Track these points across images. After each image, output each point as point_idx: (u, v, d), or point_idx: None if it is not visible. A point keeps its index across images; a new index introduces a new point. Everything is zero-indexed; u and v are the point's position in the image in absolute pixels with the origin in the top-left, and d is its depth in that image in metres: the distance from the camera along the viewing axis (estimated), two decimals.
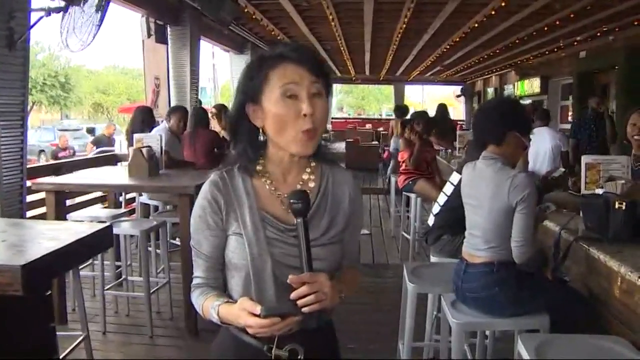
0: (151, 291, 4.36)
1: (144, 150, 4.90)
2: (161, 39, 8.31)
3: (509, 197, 2.61)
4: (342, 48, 13.84)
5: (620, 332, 2.52)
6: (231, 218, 1.56)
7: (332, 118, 26.53)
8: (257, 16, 9.66)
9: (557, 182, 4.02)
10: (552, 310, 2.64)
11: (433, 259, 3.62)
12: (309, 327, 1.50)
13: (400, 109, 11.86)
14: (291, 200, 1.45)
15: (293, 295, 1.38)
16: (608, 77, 12.16)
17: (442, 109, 10.71)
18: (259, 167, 1.61)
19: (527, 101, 16.16)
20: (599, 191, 3.01)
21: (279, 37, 11.90)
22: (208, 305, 1.54)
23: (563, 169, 4.45)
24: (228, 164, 1.62)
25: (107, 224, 3.14)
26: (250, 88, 1.53)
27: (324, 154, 1.65)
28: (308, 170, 1.63)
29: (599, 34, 10.99)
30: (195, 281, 1.64)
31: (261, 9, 9.27)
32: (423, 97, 38.84)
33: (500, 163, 2.73)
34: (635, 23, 9.85)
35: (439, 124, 8.57)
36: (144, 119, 6.34)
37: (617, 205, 2.68)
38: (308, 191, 1.55)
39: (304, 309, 1.37)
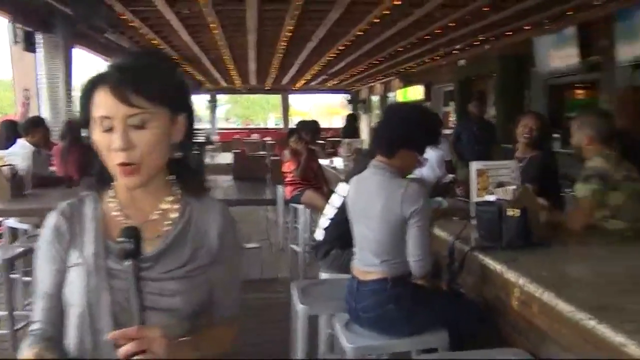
0: (16, 327, 3.89)
1: (5, 169, 4.42)
2: (29, 46, 7.70)
3: (402, 208, 2.47)
4: (226, 57, 13.55)
5: (518, 343, 2.44)
6: (73, 248, 1.33)
7: (219, 129, 26.09)
8: (136, 24, 9.21)
9: (447, 189, 3.98)
10: (449, 324, 2.52)
11: (323, 275, 3.42)
12: None
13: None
14: (119, 239, 1.20)
15: (120, 353, 1.14)
16: (486, 84, 12.62)
17: (351, 119, 10.68)
18: (111, 192, 1.40)
19: None
20: (490, 198, 2.92)
21: (160, 47, 11.46)
22: None
23: (452, 176, 4.42)
24: (86, 187, 1.42)
25: None
26: (82, 113, 1.33)
27: (189, 182, 1.45)
28: (169, 198, 1.42)
29: (476, 43, 11.39)
30: (30, 329, 1.36)
31: (140, 16, 8.80)
32: (310, 106, 39.08)
33: (390, 172, 2.58)
34: (509, 33, 10.29)
35: (349, 134, 8.52)
36: (8, 135, 5.79)
37: (509, 213, 2.60)
38: (169, 221, 1.38)
39: None
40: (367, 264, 2.58)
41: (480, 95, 8.93)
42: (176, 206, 1.41)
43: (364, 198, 2.64)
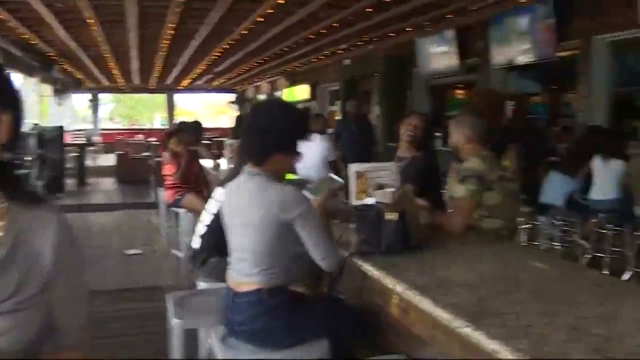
0: None
1: None
2: None
3: (281, 215, 2.36)
4: (107, 55, 12.97)
5: (400, 349, 2.41)
6: None
7: (101, 130, 25.04)
8: (3, 16, 8.57)
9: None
10: (330, 333, 2.44)
11: (201, 284, 3.24)
12: None
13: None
14: None
15: None
16: (370, 84, 12.82)
17: (241, 119, 10.45)
18: None
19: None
20: (370, 201, 2.87)
21: (33, 42, 10.78)
22: None
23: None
24: None
25: None
26: None
27: (17, 191, 1.18)
28: None
29: (360, 43, 11.53)
30: None
31: (7, 7, 8.19)
32: (197, 106, 38.31)
33: (265, 178, 2.46)
34: (392, 34, 10.48)
35: (239, 134, 8.26)
36: None
37: (388, 217, 2.56)
38: None
39: None
40: (243, 274, 2.44)
41: (359, 95, 9.07)
42: (3, 222, 1.13)
43: (239, 205, 2.50)
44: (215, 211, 3.16)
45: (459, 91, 13.90)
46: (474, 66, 9.35)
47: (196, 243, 3.27)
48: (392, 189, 2.95)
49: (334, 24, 9.33)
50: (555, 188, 6.10)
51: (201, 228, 3.25)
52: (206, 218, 3.24)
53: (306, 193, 2.79)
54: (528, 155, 6.11)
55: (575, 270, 2.53)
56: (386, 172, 3.48)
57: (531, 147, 6.42)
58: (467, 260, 2.57)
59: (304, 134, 2.62)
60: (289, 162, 2.60)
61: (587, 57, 7.07)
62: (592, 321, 1.76)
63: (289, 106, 2.77)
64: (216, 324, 2.57)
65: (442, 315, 1.83)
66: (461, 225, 3.04)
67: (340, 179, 2.88)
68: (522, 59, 8.09)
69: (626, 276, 5.31)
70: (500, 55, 8.43)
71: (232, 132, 11.77)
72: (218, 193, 3.20)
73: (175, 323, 2.64)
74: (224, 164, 7.50)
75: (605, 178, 5.73)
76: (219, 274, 3.12)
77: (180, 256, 5.90)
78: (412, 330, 2.14)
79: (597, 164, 5.81)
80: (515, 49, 8.13)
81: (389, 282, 2.21)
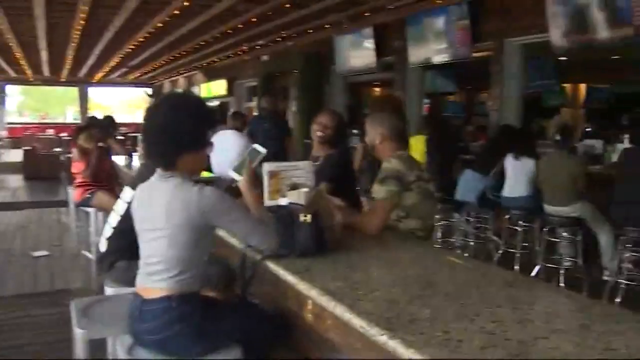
0: None
1: None
2: None
3: (200, 218, 2.23)
4: (12, 44, 12.31)
5: (315, 355, 2.32)
6: None
7: (9, 123, 23.85)
8: None
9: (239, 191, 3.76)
10: (243, 339, 2.34)
11: (109, 290, 3.05)
12: None
13: None
14: None
15: None
16: (288, 80, 12.75)
17: None
18: None
19: (215, 102, 16.33)
20: (283, 201, 2.78)
21: None
22: None
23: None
24: None
25: None
26: None
27: None
28: None
29: (279, 40, 11.44)
30: None
31: None
32: (112, 100, 37.15)
33: (179, 179, 2.32)
34: (310, 31, 10.44)
35: None
36: None
37: (302, 218, 2.47)
38: None
39: None
40: (153, 279, 2.29)
41: (274, 91, 8.98)
42: None
43: (152, 208, 2.35)
44: (122, 212, 2.99)
45: (375, 89, 14.07)
46: (391, 64, 9.44)
47: (103, 246, 3.08)
48: (306, 189, 2.88)
49: (252, 19, 9.21)
50: (469, 186, 6.21)
51: (108, 230, 3.07)
52: (114, 219, 3.06)
53: (232, 174, 2.66)
54: (442, 153, 6.24)
55: (489, 270, 2.51)
56: (301, 172, 3.38)
57: (445, 145, 6.55)
58: (383, 263, 2.52)
59: (211, 124, 2.50)
60: (201, 158, 2.47)
61: (500, 59, 7.26)
62: (507, 325, 1.74)
63: (190, 100, 2.55)
64: (123, 332, 2.42)
65: (358, 322, 1.76)
66: (378, 227, 2.99)
67: (262, 149, 2.74)
68: (438, 59, 8.22)
69: (535, 270, 5.49)
70: (417, 54, 8.54)
71: None
72: (127, 193, 3.03)
73: (78, 333, 2.46)
74: (136, 160, 7.23)
75: (516, 176, 5.88)
76: (128, 279, 2.95)
77: (90, 257, 5.64)
78: (327, 336, 2.07)
79: (509, 162, 5.96)
80: (431, 49, 8.25)
81: (302, 287, 2.12)
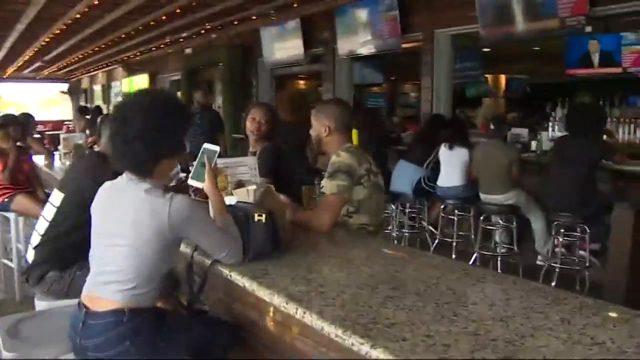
0: None
1: None
2: None
3: (169, 227, 2.01)
4: None
5: None
6: None
7: None
8: None
9: (178, 190, 3.52)
10: (198, 350, 2.14)
11: (39, 304, 2.74)
12: None
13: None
14: None
15: None
16: (212, 73, 12.43)
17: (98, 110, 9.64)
18: None
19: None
20: (231, 200, 2.57)
21: None
22: None
23: (183, 175, 3.96)
24: None
25: None
26: None
27: None
28: None
29: (203, 32, 11.12)
30: None
31: None
32: (24, 96, 35.28)
33: (149, 186, 2.09)
34: (235, 23, 10.17)
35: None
36: None
37: (257, 218, 2.28)
38: None
39: None
40: (104, 290, 2.04)
41: (204, 85, 8.74)
42: None
43: (115, 211, 2.10)
44: (51, 218, 2.71)
45: (303, 81, 13.94)
46: (319, 56, 9.31)
47: (30, 255, 2.77)
48: (253, 187, 2.69)
49: (176, 11, 8.86)
50: (404, 176, 6.16)
51: (36, 238, 2.77)
52: (41, 226, 2.76)
53: (192, 182, 2.42)
54: (374, 144, 6.16)
55: (452, 265, 2.38)
56: (245, 168, 3.20)
57: (376, 136, 6.48)
58: (342, 262, 2.35)
59: (189, 124, 2.27)
60: (174, 162, 2.24)
61: (430, 50, 7.25)
62: (489, 324, 1.63)
63: (169, 100, 2.24)
64: (63, 353, 2.14)
65: (331, 330, 1.61)
66: (329, 224, 2.82)
67: (215, 146, 2.50)
68: (367, 50, 8.14)
69: (473, 258, 5.51)
70: (345, 45, 8.44)
71: (91, 131, 10.71)
72: (55, 196, 2.75)
73: (6, 357, 2.14)
74: (58, 160, 6.79)
75: (451, 166, 5.87)
76: (61, 291, 2.69)
77: (12, 266, 5.21)
78: (294, 346, 1.90)
79: (443, 152, 5.94)
80: (360, 40, 8.16)
81: (263, 293, 1.94)
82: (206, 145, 2.43)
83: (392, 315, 1.69)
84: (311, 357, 1.83)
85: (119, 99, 17.43)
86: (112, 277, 2.04)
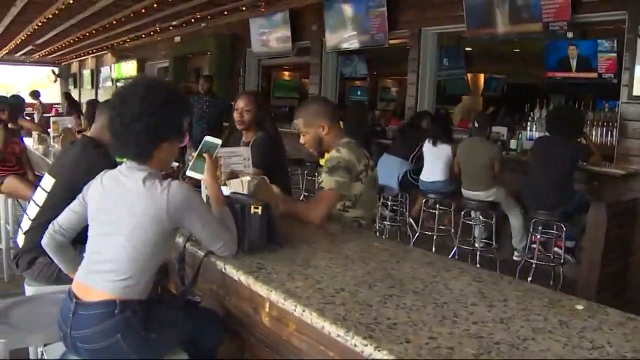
0: None
1: None
2: None
3: (167, 215, 1.92)
4: None
5: (267, 357, 2.05)
6: None
7: None
8: None
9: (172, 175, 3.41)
10: (188, 344, 2.04)
11: (29, 289, 2.62)
12: None
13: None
14: None
15: None
16: (201, 61, 12.23)
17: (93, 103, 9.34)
18: None
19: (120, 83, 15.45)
20: (225, 191, 2.46)
21: None
22: None
23: (176, 164, 3.85)
24: None
25: None
26: None
27: None
28: None
29: (193, 21, 10.92)
30: None
31: None
32: (13, 79, 34.53)
33: (149, 172, 2.00)
34: (225, 13, 10.00)
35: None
36: None
37: (253, 210, 2.18)
38: None
39: None
40: (95, 278, 1.94)
41: (196, 74, 8.61)
42: None
43: (112, 199, 2.00)
44: (42, 203, 2.58)
45: (291, 72, 13.80)
46: (307, 49, 9.18)
47: (20, 240, 2.64)
48: (247, 178, 2.59)
49: None
50: (389, 170, 6.09)
51: (26, 222, 2.64)
52: (32, 211, 2.63)
53: (191, 173, 2.33)
54: (360, 137, 6.07)
55: (447, 262, 2.30)
56: (238, 158, 3.09)
57: (362, 128, 6.40)
58: (338, 257, 2.23)
59: (189, 113, 2.18)
60: (175, 150, 2.14)
61: (417, 47, 7.17)
62: (490, 326, 1.57)
63: (164, 85, 2.17)
64: (52, 340, 2.03)
65: (332, 330, 1.53)
66: (322, 217, 2.73)
67: (216, 140, 2.40)
68: (354, 45, 8.03)
69: (452, 252, 5.47)
70: (333, 39, 8.32)
71: (85, 117, 10.40)
72: (46, 181, 2.62)
73: None
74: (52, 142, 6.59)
75: (434, 161, 5.82)
76: (51, 277, 2.57)
77: (0, 247, 5.04)
78: (291, 343, 1.81)
79: (427, 148, 5.88)
80: (347, 34, 8.05)
81: (259, 288, 1.84)
82: (207, 138, 2.33)
83: (393, 315, 1.61)
84: (308, 354, 1.74)
85: (108, 83, 16.92)
86: (105, 266, 1.94)
